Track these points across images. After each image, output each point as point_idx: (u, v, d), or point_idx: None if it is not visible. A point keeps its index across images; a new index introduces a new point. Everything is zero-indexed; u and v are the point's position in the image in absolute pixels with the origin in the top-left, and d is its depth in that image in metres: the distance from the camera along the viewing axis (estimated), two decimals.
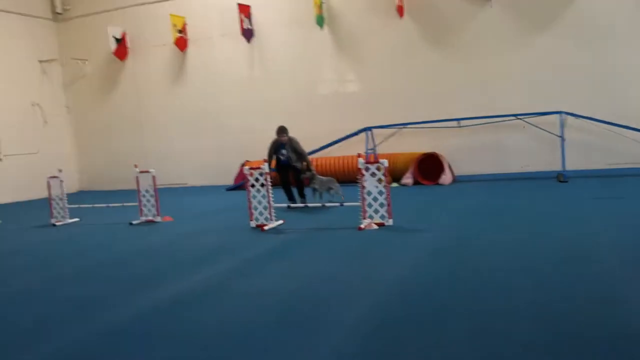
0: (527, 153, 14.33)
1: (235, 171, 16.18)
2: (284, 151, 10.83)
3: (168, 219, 10.45)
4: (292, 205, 10.47)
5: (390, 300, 4.81)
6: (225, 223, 9.78)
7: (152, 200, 10.30)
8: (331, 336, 4.04)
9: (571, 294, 4.59)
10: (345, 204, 9.38)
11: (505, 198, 10.70)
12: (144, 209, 10.38)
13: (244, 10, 16.24)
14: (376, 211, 8.25)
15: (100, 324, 4.65)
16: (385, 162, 8.17)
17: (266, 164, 8.90)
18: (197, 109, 17.59)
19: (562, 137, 12.99)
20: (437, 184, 13.44)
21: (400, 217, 8.49)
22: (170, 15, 16.86)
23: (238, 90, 17.05)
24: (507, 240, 6.79)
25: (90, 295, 5.61)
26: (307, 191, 11.14)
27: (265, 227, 8.59)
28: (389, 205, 8.20)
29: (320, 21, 15.46)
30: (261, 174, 8.78)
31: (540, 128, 13.63)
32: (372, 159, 13.60)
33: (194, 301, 5.15)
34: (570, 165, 13.28)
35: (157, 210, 10.32)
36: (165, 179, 17.13)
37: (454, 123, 14.11)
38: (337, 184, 10.84)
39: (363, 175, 8.22)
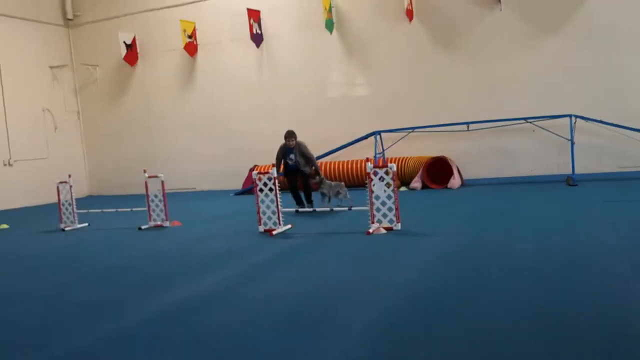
0: (536, 156, 14.27)
1: (244, 175, 16.19)
2: (292, 156, 10.83)
3: (177, 223, 10.47)
4: (301, 209, 10.47)
5: (398, 304, 4.78)
6: (233, 228, 9.78)
7: (161, 205, 10.32)
8: (340, 340, 4.02)
9: (581, 298, 4.55)
10: (353, 208, 9.36)
11: (514, 202, 10.65)
12: (152, 213, 10.41)
13: (254, 15, 16.29)
14: (384, 215, 8.23)
15: (108, 329, 4.65)
16: (394, 167, 8.15)
17: (274, 169, 8.91)
18: (207, 113, 17.64)
19: (571, 141, 12.91)
20: (446, 188, 13.39)
21: (408, 222, 8.47)
22: (180, 20, 16.93)
23: (247, 95, 17.09)
24: (515, 244, 6.75)
25: (98, 300, 5.62)
26: (316, 196, 11.14)
27: (274, 232, 8.59)
28: (397, 209, 8.18)
29: (329, 26, 15.48)
30: (269, 179, 8.78)
31: (550, 131, 13.56)
32: (381, 163, 13.59)
33: (203, 306, 5.14)
34: (581, 169, 13.21)
35: (166, 215, 10.35)
36: (174, 184, 17.20)
37: (463, 127, 14.08)
38: (345, 189, 10.83)
39: (371, 179, 8.20)
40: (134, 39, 18.05)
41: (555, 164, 14.02)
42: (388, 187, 8.15)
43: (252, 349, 4.02)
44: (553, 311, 4.29)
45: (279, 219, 8.78)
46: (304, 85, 16.38)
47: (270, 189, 8.76)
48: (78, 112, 19.47)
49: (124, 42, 17.86)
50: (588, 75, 13.67)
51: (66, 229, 10.85)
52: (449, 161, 13.78)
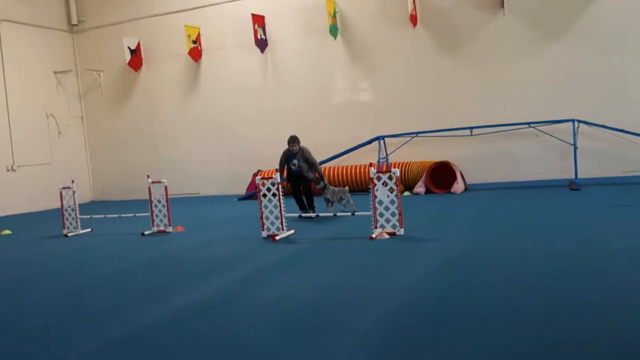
0: (539, 161, 14.27)
1: (247, 180, 16.20)
2: (295, 161, 10.83)
3: (180, 229, 10.48)
4: (304, 214, 10.47)
5: (401, 309, 4.77)
6: (236, 233, 9.78)
7: (164, 211, 10.32)
8: (343, 345, 4.02)
9: (584, 302, 4.53)
10: (356, 213, 9.35)
11: (518, 206, 10.62)
12: (155, 219, 10.41)
13: (258, 20, 16.32)
14: (387, 220, 8.22)
15: (112, 334, 4.65)
16: (397, 172, 8.14)
17: (278, 174, 8.92)
18: (210, 119, 17.67)
19: (574, 145, 12.89)
20: (449, 192, 13.37)
21: (411, 227, 8.46)
22: (185, 25, 16.98)
23: (251, 100, 17.12)
24: (518, 249, 6.73)
25: (102, 305, 5.62)
26: (320, 202, 11.12)
27: (277, 237, 8.58)
28: (400, 214, 8.17)
29: (333, 31, 15.51)
30: (273, 184, 8.78)
31: (553, 136, 13.55)
32: (384, 168, 13.58)
33: (206, 311, 5.14)
34: (585, 173, 13.19)
35: (169, 221, 10.35)
36: (178, 189, 17.24)
37: (466, 132, 14.07)
38: (349, 194, 10.82)
39: (375, 184, 8.20)
40: (138, 44, 18.10)
41: (558, 169, 14.01)
42: (391, 192, 8.14)
43: (255, 353, 4.02)
44: (556, 315, 4.27)
45: (282, 224, 8.77)
46: (308, 90, 16.40)
47: (274, 194, 8.76)
48: (82, 118, 19.52)
49: (128, 47, 17.92)
50: (591, 80, 13.67)
51: (69, 234, 10.86)
52: (453, 166, 13.77)
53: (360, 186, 14.21)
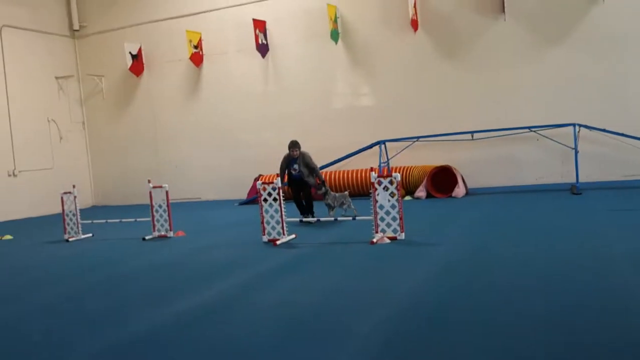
0: (540, 165, 14.27)
1: (249, 185, 16.20)
2: (295, 166, 10.83)
3: (180, 233, 10.48)
4: (305, 219, 10.46)
5: (402, 313, 4.77)
6: (237, 238, 9.78)
7: (165, 215, 10.32)
8: (343, 349, 4.01)
9: (585, 305, 4.53)
10: (357, 217, 9.35)
11: (519, 211, 10.62)
12: (156, 224, 10.41)
13: (260, 25, 16.35)
14: (388, 225, 8.22)
15: (113, 338, 4.65)
16: (398, 176, 8.14)
17: (279, 179, 8.92)
18: (212, 124, 17.69)
19: (575, 149, 12.89)
20: (450, 197, 13.37)
21: (412, 231, 8.46)
22: (186, 31, 17.01)
23: (252, 105, 17.13)
24: (520, 253, 6.73)
25: (102, 310, 5.62)
26: (321, 207, 11.11)
27: (278, 242, 8.58)
28: (401, 218, 8.17)
29: (335, 36, 15.53)
30: (274, 189, 8.79)
31: (554, 140, 13.54)
32: (385, 172, 13.58)
33: (207, 315, 5.14)
34: (586, 177, 13.19)
35: (170, 226, 10.34)
36: (179, 194, 17.25)
37: (467, 136, 14.07)
38: (350, 199, 10.83)
39: (376, 189, 8.20)
40: (139, 50, 18.14)
41: (560, 173, 14.01)
42: (392, 197, 8.14)
43: (256, 358, 4.02)
44: (558, 319, 4.27)
45: (283, 228, 8.77)
46: (309, 95, 16.42)
47: (275, 199, 8.76)
48: (83, 123, 19.55)
49: (130, 52, 17.95)
50: (591, 85, 13.68)
51: (70, 239, 10.86)
52: (454, 170, 13.77)
53: (361, 191, 14.21)
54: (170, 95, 18.24)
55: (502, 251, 6.97)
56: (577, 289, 5.08)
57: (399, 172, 11.92)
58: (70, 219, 10.98)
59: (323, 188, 10.70)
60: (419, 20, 14.99)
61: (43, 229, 13.55)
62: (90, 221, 11.46)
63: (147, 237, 10.28)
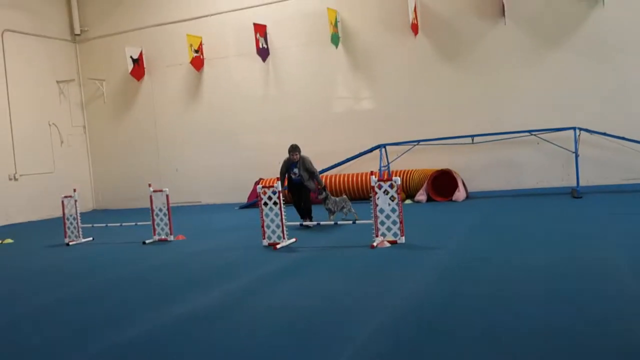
0: (541, 169, 14.27)
1: (249, 189, 16.21)
2: (295, 170, 10.83)
3: (181, 237, 10.48)
4: (305, 223, 10.47)
5: (402, 317, 4.76)
6: (237, 241, 9.78)
7: (166, 219, 10.33)
8: (343, 353, 4.01)
9: (585, 311, 4.52)
10: (357, 221, 9.36)
11: (519, 214, 10.62)
12: (157, 227, 10.42)
13: (260, 29, 16.38)
14: (389, 229, 8.22)
15: (112, 342, 4.65)
16: (398, 180, 8.14)
17: (279, 183, 8.93)
18: (212, 128, 17.70)
19: (576, 153, 12.90)
20: (451, 200, 13.37)
21: (413, 235, 8.46)
22: (187, 35, 17.04)
23: (253, 108, 17.15)
24: (520, 257, 6.72)
25: (103, 313, 5.62)
26: (321, 211, 11.12)
27: (278, 246, 8.58)
28: (401, 222, 8.17)
29: (335, 40, 15.56)
30: (274, 192, 8.79)
31: (554, 144, 13.55)
32: (386, 176, 13.59)
33: (207, 319, 5.14)
34: (586, 181, 13.19)
35: (170, 229, 10.35)
36: (180, 198, 17.27)
37: (468, 139, 14.08)
38: (350, 203, 10.83)
39: (376, 193, 8.20)
40: (140, 54, 18.17)
41: (560, 177, 14.02)
42: (392, 201, 8.14)
43: None
44: (558, 324, 4.26)
45: (283, 232, 8.78)
46: (310, 98, 16.43)
47: (275, 203, 8.77)
48: (84, 127, 19.57)
49: (131, 56, 17.99)
50: (592, 88, 13.69)
51: (70, 243, 10.87)
52: (454, 174, 13.78)
53: (362, 194, 14.22)
54: (171, 100, 18.26)
55: (502, 255, 6.96)
56: (577, 293, 5.08)
57: (400, 176, 11.94)
58: (71, 223, 10.99)
59: (323, 193, 10.70)
60: (419, 24, 15.01)
61: (44, 232, 13.55)
62: (90, 225, 11.47)
63: (147, 241, 10.29)
